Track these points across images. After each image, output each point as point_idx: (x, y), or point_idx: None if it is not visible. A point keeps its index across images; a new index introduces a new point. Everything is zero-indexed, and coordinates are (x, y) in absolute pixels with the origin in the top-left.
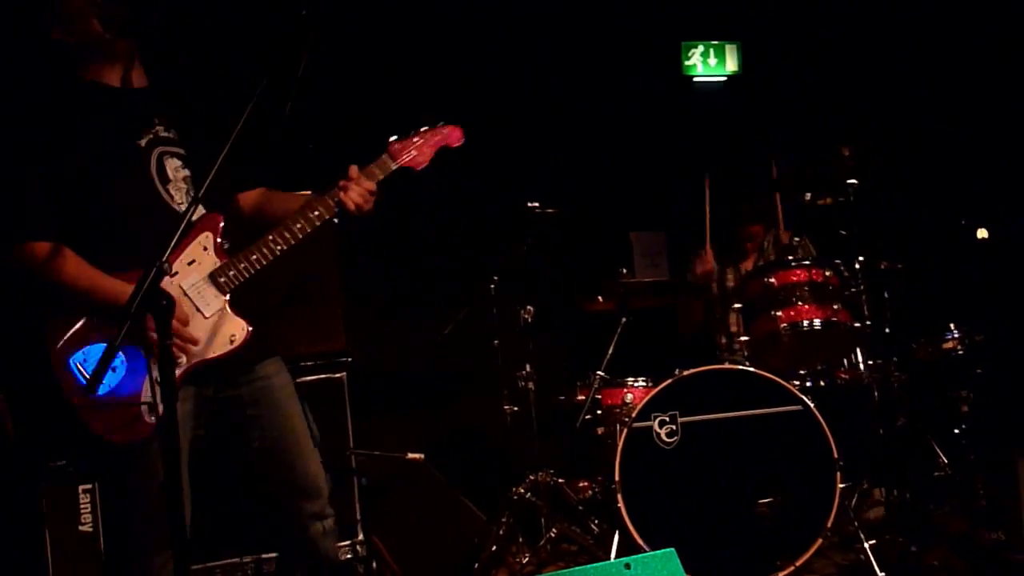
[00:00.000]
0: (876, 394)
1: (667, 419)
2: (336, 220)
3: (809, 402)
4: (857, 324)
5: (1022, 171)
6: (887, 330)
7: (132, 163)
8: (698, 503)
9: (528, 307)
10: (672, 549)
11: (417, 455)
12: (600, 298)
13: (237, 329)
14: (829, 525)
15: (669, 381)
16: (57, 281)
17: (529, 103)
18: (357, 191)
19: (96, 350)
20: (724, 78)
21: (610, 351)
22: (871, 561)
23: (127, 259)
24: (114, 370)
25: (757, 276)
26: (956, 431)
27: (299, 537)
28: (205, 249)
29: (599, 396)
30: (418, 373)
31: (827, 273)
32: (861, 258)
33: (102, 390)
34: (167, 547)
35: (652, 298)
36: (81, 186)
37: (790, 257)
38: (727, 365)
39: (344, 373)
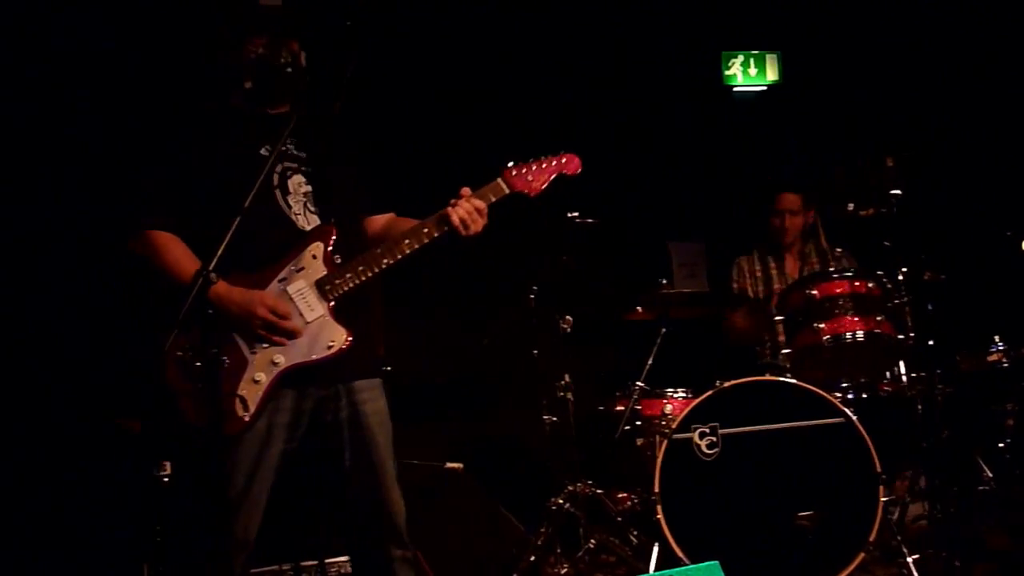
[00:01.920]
0: (919, 407)
1: (707, 431)
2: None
3: (851, 415)
4: (900, 336)
5: None
6: (931, 342)
7: (254, 170)
8: (739, 515)
9: (567, 317)
10: (716, 562)
11: (456, 464)
12: (639, 308)
13: (337, 336)
14: (872, 539)
15: (710, 392)
16: (165, 269)
17: (570, 113)
18: (465, 208)
19: (204, 345)
20: (764, 88)
21: (650, 362)
22: (914, 575)
23: (239, 261)
24: (217, 362)
25: (799, 288)
26: (1001, 445)
27: (374, 559)
28: (314, 257)
29: (639, 407)
30: (457, 382)
31: (870, 285)
32: (904, 269)
33: (200, 385)
34: (240, 550)
35: (692, 309)
36: (204, 191)
37: (832, 269)
38: (768, 377)
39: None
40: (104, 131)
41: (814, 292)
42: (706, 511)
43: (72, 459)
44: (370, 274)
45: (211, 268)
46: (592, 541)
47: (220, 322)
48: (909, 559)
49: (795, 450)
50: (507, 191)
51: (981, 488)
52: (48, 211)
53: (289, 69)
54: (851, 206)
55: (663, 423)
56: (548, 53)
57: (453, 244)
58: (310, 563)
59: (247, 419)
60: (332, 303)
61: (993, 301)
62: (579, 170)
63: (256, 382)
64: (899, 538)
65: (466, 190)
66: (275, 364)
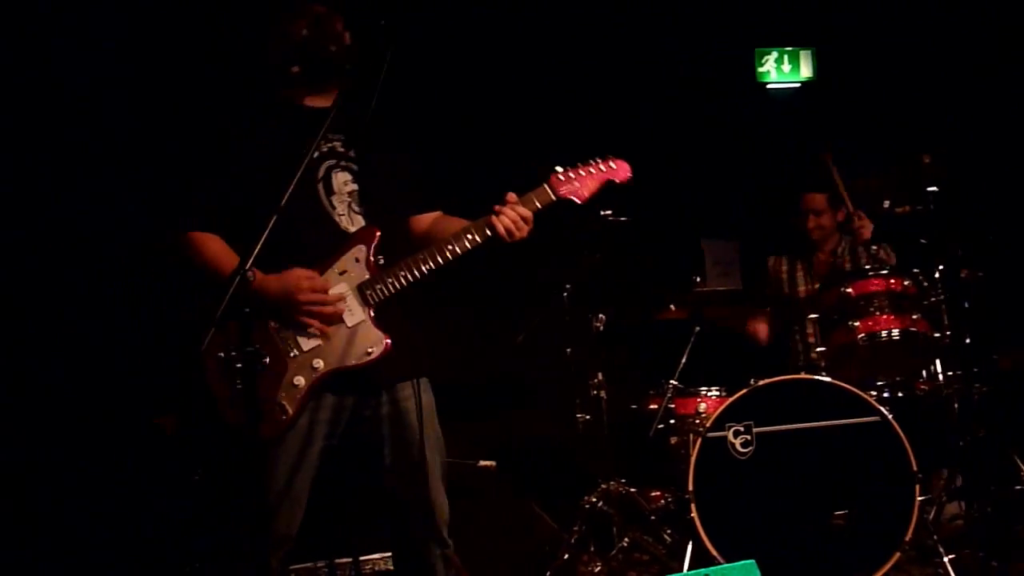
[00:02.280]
0: (956, 406)
1: (742, 429)
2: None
3: (887, 413)
4: (937, 334)
5: None
6: (968, 340)
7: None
8: (773, 514)
9: (600, 315)
10: (752, 561)
11: (489, 463)
12: (672, 307)
13: (376, 342)
14: (908, 538)
15: (744, 391)
16: (204, 268)
17: (602, 111)
18: (510, 217)
19: (245, 346)
20: (798, 84)
21: (683, 360)
22: (950, 575)
23: (280, 260)
24: (256, 363)
25: (833, 286)
26: None
27: (414, 557)
28: (357, 261)
29: (672, 405)
30: (490, 381)
31: (906, 282)
32: (941, 267)
33: (239, 385)
34: (280, 546)
35: (725, 308)
36: (247, 187)
37: (868, 266)
38: (803, 375)
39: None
40: (147, 126)
41: (849, 290)
42: (740, 510)
43: (111, 456)
44: (411, 279)
45: (248, 266)
46: (626, 540)
47: (259, 323)
48: (945, 559)
49: (830, 449)
50: (553, 198)
51: (1018, 487)
52: (90, 208)
53: (334, 48)
54: (887, 203)
55: (697, 421)
56: (584, 51)
57: (496, 248)
58: (345, 560)
59: (285, 421)
60: (373, 308)
61: None
62: (629, 178)
63: (295, 386)
64: (935, 538)
65: (512, 196)
66: (314, 368)
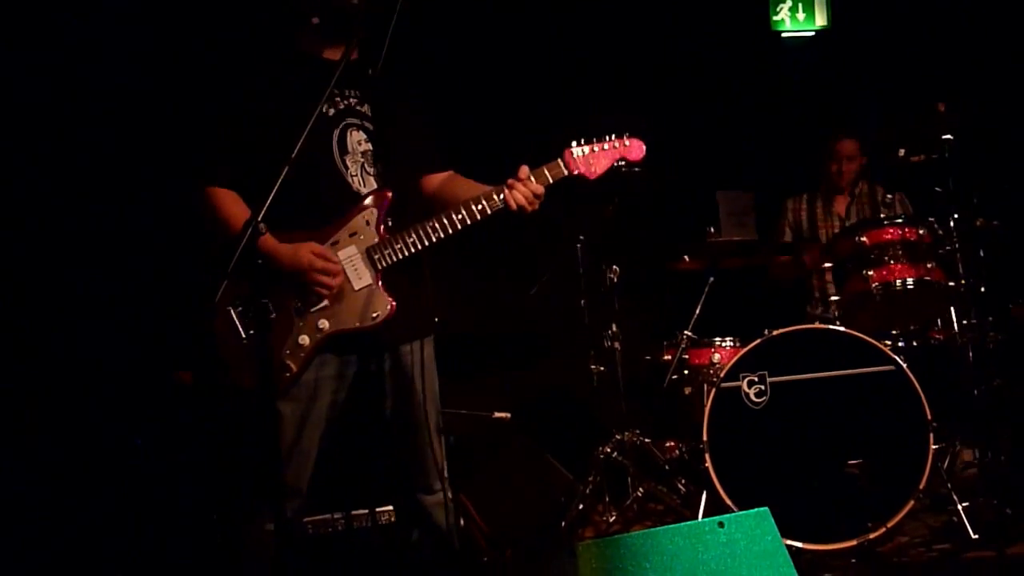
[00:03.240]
0: (971, 355)
1: (756, 379)
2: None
3: (902, 362)
4: (951, 283)
5: None
6: (982, 289)
7: (315, 128)
8: (788, 464)
9: (614, 267)
10: (766, 508)
11: (504, 414)
12: (687, 258)
13: (381, 306)
14: (922, 487)
15: (758, 341)
16: (218, 227)
17: (615, 61)
18: (522, 191)
19: (254, 301)
20: (813, 33)
21: (697, 311)
22: (964, 523)
23: (292, 219)
24: (265, 318)
25: (848, 235)
26: None
27: (410, 505)
28: (367, 223)
29: (686, 356)
30: (505, 333)
31: (920, 231)
32: (956, 215)
33: (248, 339)
34: (291, 498)
35: (740, 258)
36: (264, 143)
37: (883, 215)
38: (817, 325)
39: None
40: (162, 79)
41: (863, 239)
42: (755, 459)
43: (131, 410)
44: (421, 246)
45: (260, 219)
46: (640, 490)
47: (269, 280)
48: (959, 506)
49: (844, 398)
50: (566, 173)
51: None
52: (107, 164)
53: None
54: (902, 152)
55: (711, 372)
56: (599, 4)
57: (505, 218)
58: (361, 511)
59: (288, 378)
60: (380, 271)
61: None
62: (642, 156)
63: (300, 344)
64: (949, 486)
65: (524, 170)
66: (320, 328)
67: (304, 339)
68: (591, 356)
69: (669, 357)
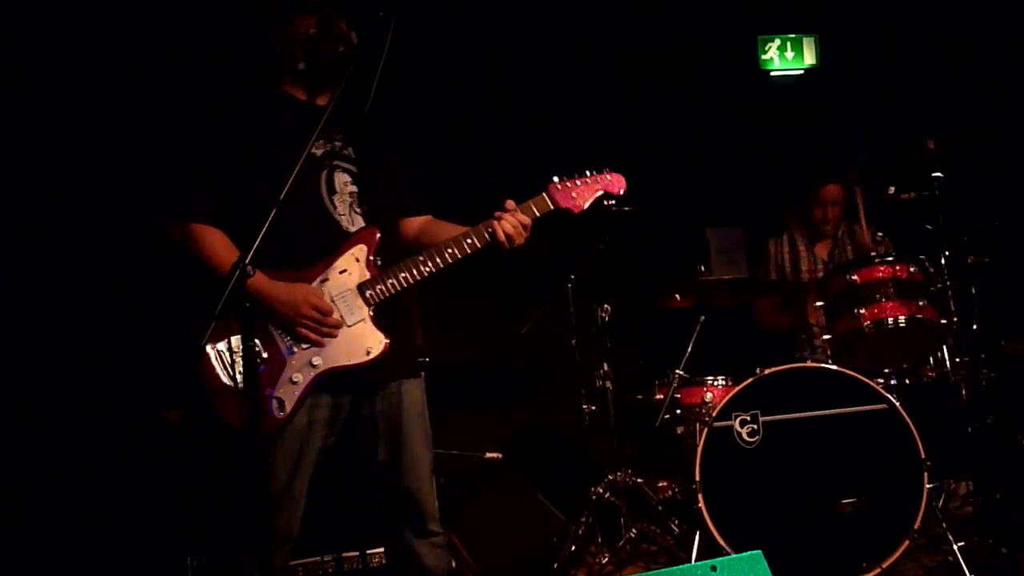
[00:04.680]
0: (964, 392)
1: (748, 418)
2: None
3: (895, 400)
4: (943, 320)
5: None
6: (975, 326)
7: (304, 169)
8: (781, 503)
9: (605, 305)
10: (759, 551)
11: (495, 454)
12: (678, 296)
13: (375, 342)
14: (917, 526)
15: (750, 380)
16: (203, 263)
17: (606, 99)
18: (510, 223)
19: (237, 341)
20: (801, 71)
21: (689, 349)
22: (960, 563)
23: (280, 258)
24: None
25: (839, 273)
26: None
27: (402, 548)
28: (357, 260)
29: (678, 395)
30: (496, 372)
31: (912, 269)
32: (947, 253)
33: (237, 383)
34: (282, 545)
35: (730, 296)
36: (250, 182)
37: (873, 254)
38: (810, 363)
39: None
40: (147, 118)
41: (855, 277)
42: (748, 499)
43: (115, 451)
44: (411, 281)
45: (247, 260)
46: (633, 530)
47: (259, 319)
48: (955, 546)
49: (837, 437)
50: (551, 207)
51: None
52: (91, 203)
53: (342, 48)
54: (892, 189)
55: (703, 411)
56: (589, 39)
57: (493, 254)
58: (351, 554)
59: (282, 419)
60: (372, 308)
61: None
62: (624, 191)
63: (293, 383)
64: (944, 525)
65: (511, 203)
66: (313, 366)
67: (297, 377)
68: (582, 395)
69: (661, 396)
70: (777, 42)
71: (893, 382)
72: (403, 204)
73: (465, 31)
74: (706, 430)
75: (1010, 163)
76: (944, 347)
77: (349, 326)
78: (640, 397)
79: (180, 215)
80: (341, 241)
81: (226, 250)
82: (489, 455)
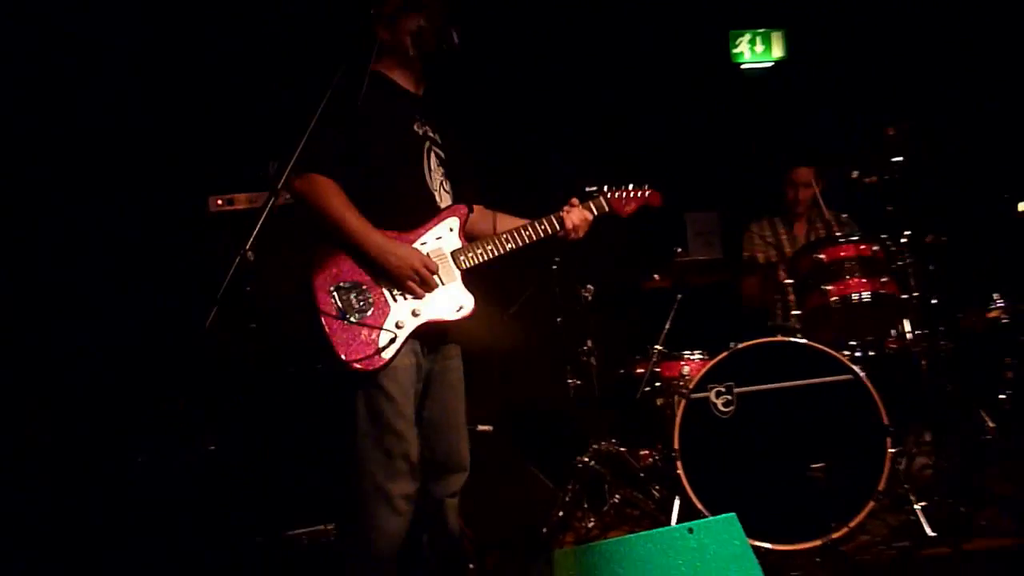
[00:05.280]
0: (924, 363)
1: (723, 390)
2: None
3: (859, 371)
4: (904, 296)
5: None
6: (934, 301)
7: (412, 147)
8: (755, 469)
9: (588, 286)
10: (733, 514)
11: (487, 427)
12: (656, 276)
13: (466, 301)
14: (881, 488)
15: (725, 354)
16: (326, 211)
17: (586, 90)
18: (578, 215)
19: (353, 285)
20: (771, 64)
21: (667, 326)
22: (922, 522)
23: (386, 219)
24: (363, 307)
25: (807, 252)
26: (1001, 397)
27: (434, 506)
28: (451, 230)
29: (658, 369)
30: (486, 350)
31: (875, 248)
32: (907, 232)
33: (351, 320)
34: (405, 477)
35: (707, 275)
36: (368, 150)
37: (839, 233)
38: (780, 337)
39: None
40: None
41: (822, 256)
42: (723, 466)
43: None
44: (496, 254)
45: (248, 247)
46: (617, 496)
47: (370, 270)
48: (917, 506)
49: (807, 406)
50: (606, 209)
51: (984, 438)
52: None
53: (445, 45)
54: (855, 174)
55: (681, 384)
56: (567, 35)
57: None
58: None
59: (388, 358)
60: (462, 273)
61: (993, 261)
62: (661, 205)
63: (399, 327)
64: (907, 487)
65: (575, 200)
66: (416, 315)
67: (402, 322)
68: (568, 371)
69: (642, 370)
70: (747, 36)
71: (858, 354)
72: (470, 190)
73: None
74: (684, 401)
75: (965, 149)
76: (906, 321)
77: (444, 285)
78: (622, 371)
79: (309, 166)
80: (436, 212)
81: (346, 207)
82: (481, 428)
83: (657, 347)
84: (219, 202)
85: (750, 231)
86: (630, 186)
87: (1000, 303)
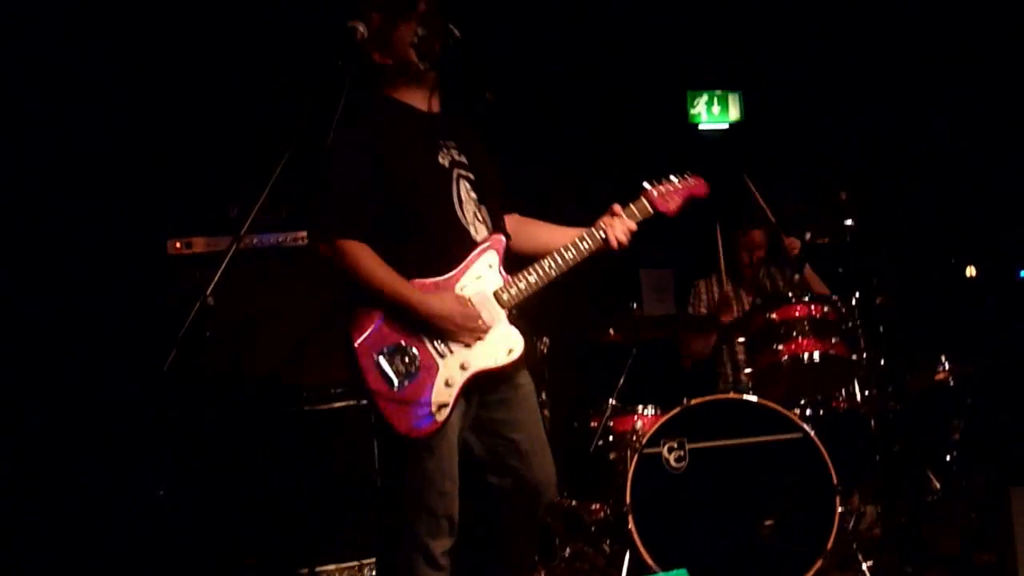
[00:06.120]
0: (872, 422)
1: (676, 445)
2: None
3: (809, 430)
4: (854, 356)
5: (1006, 216)
6: (882, 362)
7: (439, 181)
8: (705, 525)
9: (544, 339)
10: (684, 570)
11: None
12: (611, 331)
13: (515, 342)
14: (829, 547)
15: (678, 409)
16: (356, 276)
17: (543, 147)
18: (621, 227)
19: (397, 347)
20: (727, 125)
21: (621, 380)
22: None
23: (420, 266)
24: (411, 370)
25: (759, 311)
26: (947, 458)
27: (526, 525)
28: (490, 266)
29: (611, 423)
30: None
31: (825, 308)
32: (857, 294)
33: (400, 386)
34: (445, 535)
35: (660, 331)
36: (391, 194)
37: (790, 294)
38: (732, 395)
39: None
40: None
41: (773, 315)
42: (675, 521)
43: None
44: (541, 284)
45: (209, 293)
46: (567, 550)
47: (411, 327)
48: (864, 565)
49: (758, 463)
50: (651, 211)
51: (930, 497)
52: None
53: (450, 41)
54: (808, 235)
55: (634, 438)
56: (526, 89)
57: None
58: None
59: (442, 421)
60: (508, 311)
61: (940, 323)
62: (707, 193)
63: (448, 385)
64: (855, 545)
65: (616, 206)
66: (464, 368)
67: (452, 380)
68: None
69: (595, 424)
70: (705, 97)
71: (808, 413)
72: (503, 205)
73: None
74: (636, 456)
75: (915, 214)
76: (855, 381)
77: (490, 330)
78: (576, 424)
79: (332, 231)
80: (472, 248)
81: (379, 267)
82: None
83: (611, 401)
84: (178, 245)
85: (697, 288)
86: (672, 178)
87: (947, 365)
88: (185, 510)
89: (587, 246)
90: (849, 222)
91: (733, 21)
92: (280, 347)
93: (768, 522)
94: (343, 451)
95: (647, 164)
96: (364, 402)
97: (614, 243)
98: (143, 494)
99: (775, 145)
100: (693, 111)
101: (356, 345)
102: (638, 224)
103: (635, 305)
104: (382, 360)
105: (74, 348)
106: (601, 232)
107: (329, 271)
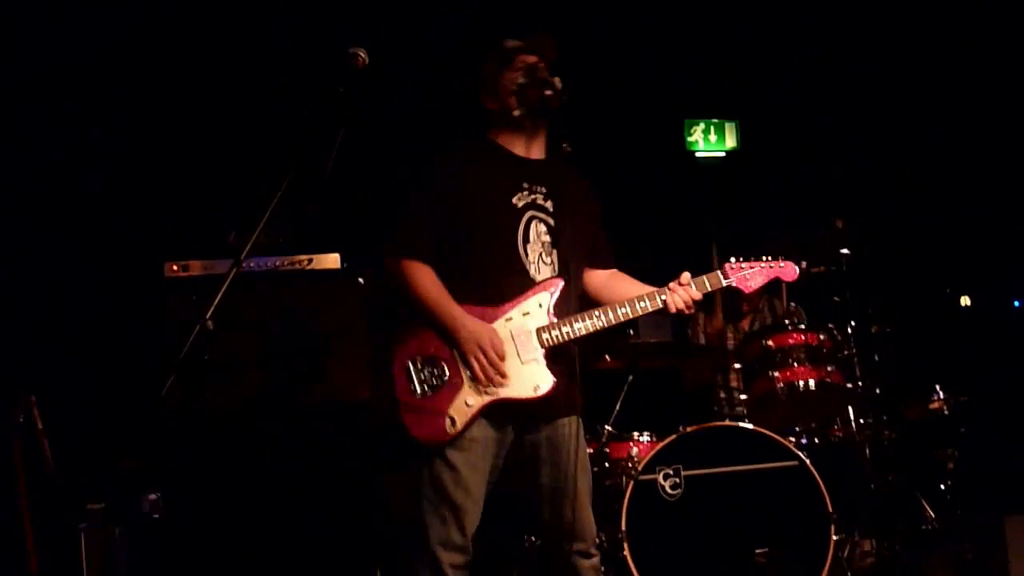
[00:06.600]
0: (868, 451)
1: (671, 472)
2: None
3: (804, 458)
4: (849, 385)
5: (1001, 246)
6: (878, 391)
7: (507, 219)
8: (700, 553)
9: None
10: None
11: None
12: (608, 357)
13: (544, 381)
14: (824, 575)
15: (673, 437)
16: (415, 295)
17: None
18: (683, 297)
19: (431, 360)
20: (723, 154)
21: (617, 407)
22: None
23: (473, 294)
24: (437, 382)
25: (756, 338)
26: (942, 487)
27: (567, 569)
28: (540, 305)
29: (607, 449)
30: None
31: (821, 337)
32: (853, 323)
33: (420, 394)
34: (456, 548)
35: (657, 358)
36: (459, 226)
37: (787, 322)
38: (728, 422)
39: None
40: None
41: (770, 343)
42: (670, 549)
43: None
44: (584, 332)
45: (208, 316)
46: None
47: (448, 343)
48: None
49: (752, 491)
50: (723, 284)
51: (924, 527)
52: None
53: (548, 92)
54: (804, 264)
55: (629, 465)
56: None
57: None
58: None
59: (451, 434)
60: (546, 350)
61: (935, 353)
62: (796, 278)
63: (468, 405)
64: (849, 574)
65: (687, 275)
66: (487, 393)
67: (472, 400)
68: None
69: (591, 450)
70: (702, 126)
71: (804, 441)
72: (593, 256)
73: None
74: (632, 483)
75: (911, 243)
76: (850, 409)
77: (523, 363)
78: None
79: (399, 250)
80: (529, 286)
81: (434, 287)
82: None
83: (607, 427)
84: (175, 268)
85: (697, 319)
86: (761, 259)
87: (941, 395)
88: (184, 535)
89: (643, 306)
90: (845, 251)
91: (730, 50)
92: (278, 370)
93: (763, 550)
94: (345, 473)
95: (645, 191)
96: (365, 423)
97: (672, 309)
98: (140, 520)
99: (771, 173)
100: (690, 139)
101: (395, 352)
102: (708, 294)
103: (632, 332)
104: (412, 367)
105: (69, 369)
106: (663, 297)
107: (393, 285)
